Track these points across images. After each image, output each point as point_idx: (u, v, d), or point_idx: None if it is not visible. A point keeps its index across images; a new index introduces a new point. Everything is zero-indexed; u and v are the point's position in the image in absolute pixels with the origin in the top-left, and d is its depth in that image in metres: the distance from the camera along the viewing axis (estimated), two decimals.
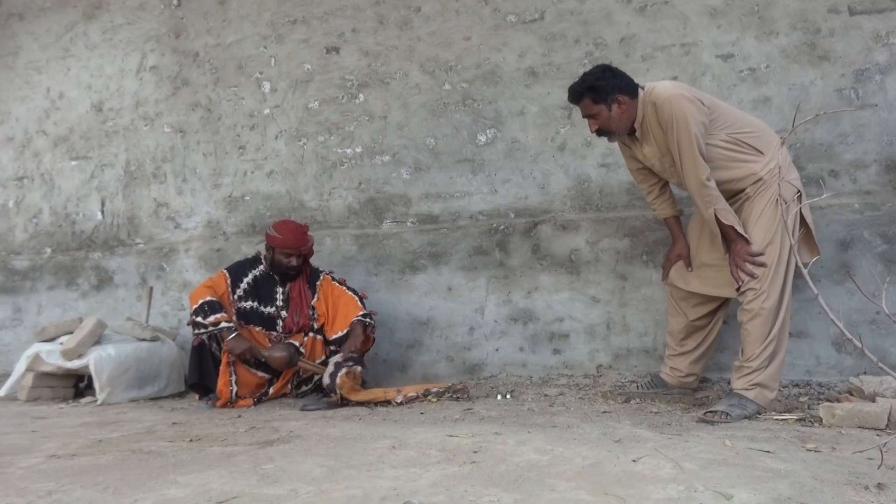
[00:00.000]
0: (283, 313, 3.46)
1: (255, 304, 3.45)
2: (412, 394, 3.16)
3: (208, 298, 3.27)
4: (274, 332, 3.45)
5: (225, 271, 3.48)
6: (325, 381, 3.17)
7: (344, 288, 3.49)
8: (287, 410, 3.13)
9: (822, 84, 3.16)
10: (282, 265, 3.42)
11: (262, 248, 3.89)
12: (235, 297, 3.41)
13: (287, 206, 4.12)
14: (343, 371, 3.16)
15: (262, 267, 3.51)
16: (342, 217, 4.00)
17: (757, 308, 2.56)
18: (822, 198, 2.65)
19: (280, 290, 3.49)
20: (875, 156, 3.07)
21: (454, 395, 3.18)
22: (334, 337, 3.39)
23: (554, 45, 3.62)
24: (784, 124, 3.14)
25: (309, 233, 3.50)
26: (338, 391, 3.13)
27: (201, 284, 3.43)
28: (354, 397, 3.14)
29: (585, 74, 2.75)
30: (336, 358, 3.22)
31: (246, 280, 3.46)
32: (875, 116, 3.08)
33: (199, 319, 3.24)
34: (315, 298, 3.49)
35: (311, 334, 3.46)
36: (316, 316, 3.47)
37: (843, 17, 3.13)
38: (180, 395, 3.81)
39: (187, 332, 3.45)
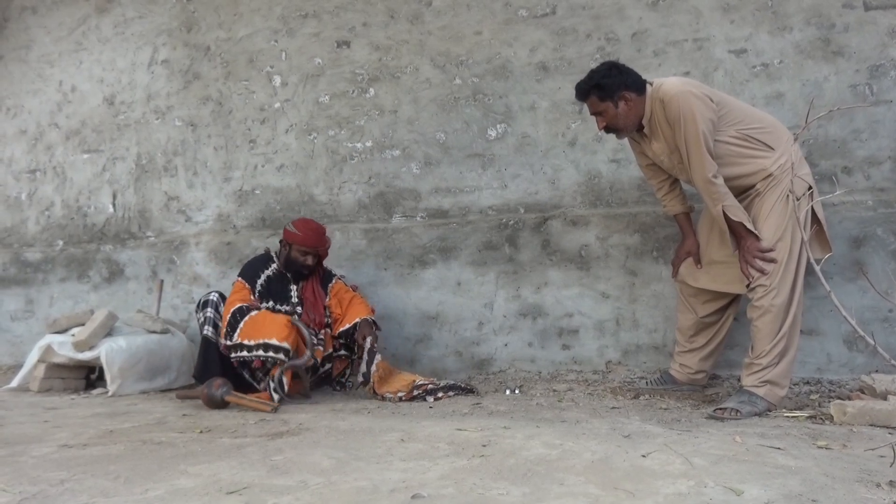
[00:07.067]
0: (299, 309, 3.47)
1: (271, 303, 3.41)
2: (421, 381, 3.22)
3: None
4: None
5: (240, 279, 3.36)
6: (362, 368, 3.20)
7: (356, 294, 3.51)
8: (296, 403, 3.13)
9: (835, 80, 3.13)
10: (297, 262, 3.40)
11: (271, 243, 3.91)
12: (256, 296, 3.37)
13: (297, 200, 4.13)
14: (378, 359, 3.22)
15: (274, 266, 3.49)
16: (352, 211, 4.01)
17: (767, 305, 2.55)
18: (835, 194, 2.63)
19: (294, 287, 3.48)
20: (889, 152, 3.05)
21: (460, 390, 3.20)
22: (341, 331, 3.41)
23: (565, 39, 3.60)
24: (797, 120, 3.12)
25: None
26: (372, 380, 3.17)
27: (229, 305, 3.24)
28: (382, 389, 3.17)
29: (592, 72, 2.74)
30: (366, 345, 3.24)
31: (259, 282, 3.44)
32: (890, 113, 3.05)
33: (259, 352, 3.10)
34: (327, 299, 3.49)
35: (324, 329, 3.48)
36: (329, 314, 3.48)
37: (858, 12, 3.10)
38: (190, 387, 3.82)
39: (197, 325, 3.46)
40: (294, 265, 3.41)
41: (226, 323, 3.18)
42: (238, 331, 3.12)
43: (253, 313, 3.16)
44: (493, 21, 3.74)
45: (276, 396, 3.00)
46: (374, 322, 3.40)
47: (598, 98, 2.70)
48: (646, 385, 3.09)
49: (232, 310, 3.19)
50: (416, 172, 3.87)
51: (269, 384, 3.06)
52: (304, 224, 3.42)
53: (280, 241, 3.50)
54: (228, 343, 3.13)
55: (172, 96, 4.49)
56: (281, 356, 3.04)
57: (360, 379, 3.24)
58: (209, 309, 3.30)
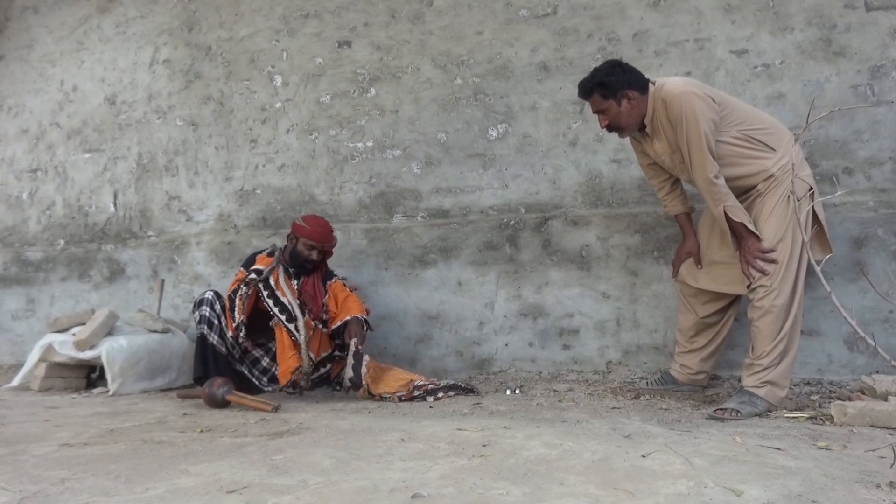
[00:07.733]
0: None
1: None
2: (421, 381, 3.19)
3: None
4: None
5: (242, 269, 3.47)
6: (349, 373, 3.15)
7: (352, 293, 3.50)
8: (297, 402, 3.14)
9: (837, 80, 3.13)
10: (302, 256, 3.41)
11: (274, 242, 3.92)
12: None
13: (298, 199, 4.13)
14: (366, 359, 3.17)
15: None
16: (353, 211, 4.01)
17: (768, 305, 2.55)
18: (835, 195, 2.63)
19: (294, 282, 3.49)
20: (890, 153, 3.04)
21: (461, 390, 3.20)
22: (333, 328, 3.40)
23: (566, 39, 3.60)
24: (798, 121, 3.12)
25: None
26: (364, 383, 3.12)
27: (228, 293, 3.37)
28: (379, 389, 3.15)
29: (595, 70, 2.74)
30: (351, 348, 3.19)
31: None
32: (891, 113, 3.05)
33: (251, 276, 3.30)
34: (326, 296, 3.50)
35: (318, 325, 3.47)
36: (326, 310, 3.48)
37: (860, 12, 3.10)
38: (191, 386, 3.82)
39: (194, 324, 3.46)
40: (299, 258, 3.42)
41: (227, 309, 3.26)
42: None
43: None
44: (495, 21, 3.74)
45: (286, 318, 3.17)
46: (365, 321, 3.36)
47: (601, 96, 2.71)
48: (646, 385, 3.09)
49: (229, 293, 3.29)
50: (417, 172, 3.87)
51: (273, 316, 3.17)
52: (313, 219, 3.47)
53: (287, 236, 3.52)
54: (235, 324, 3.21)
55: (174, 96, 4.50)
56: (257, 276, 3.26)
57: (349, 384, 3.16)
58: (205, 307, 3.31)
